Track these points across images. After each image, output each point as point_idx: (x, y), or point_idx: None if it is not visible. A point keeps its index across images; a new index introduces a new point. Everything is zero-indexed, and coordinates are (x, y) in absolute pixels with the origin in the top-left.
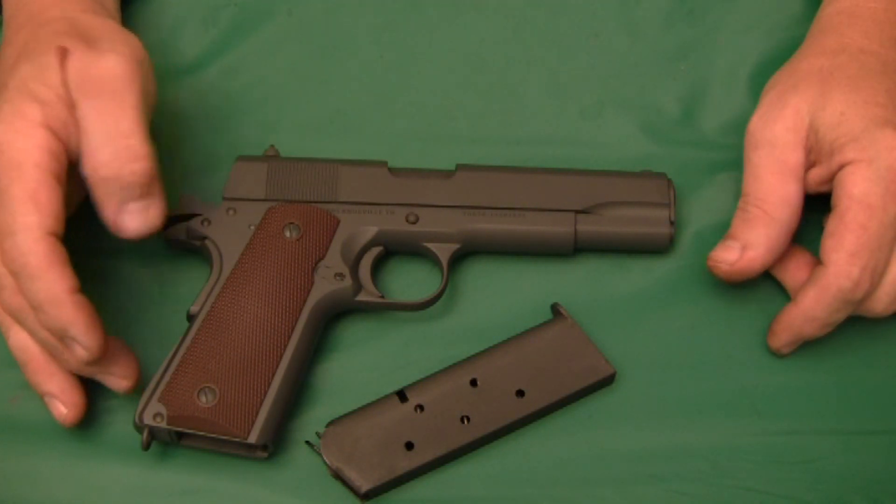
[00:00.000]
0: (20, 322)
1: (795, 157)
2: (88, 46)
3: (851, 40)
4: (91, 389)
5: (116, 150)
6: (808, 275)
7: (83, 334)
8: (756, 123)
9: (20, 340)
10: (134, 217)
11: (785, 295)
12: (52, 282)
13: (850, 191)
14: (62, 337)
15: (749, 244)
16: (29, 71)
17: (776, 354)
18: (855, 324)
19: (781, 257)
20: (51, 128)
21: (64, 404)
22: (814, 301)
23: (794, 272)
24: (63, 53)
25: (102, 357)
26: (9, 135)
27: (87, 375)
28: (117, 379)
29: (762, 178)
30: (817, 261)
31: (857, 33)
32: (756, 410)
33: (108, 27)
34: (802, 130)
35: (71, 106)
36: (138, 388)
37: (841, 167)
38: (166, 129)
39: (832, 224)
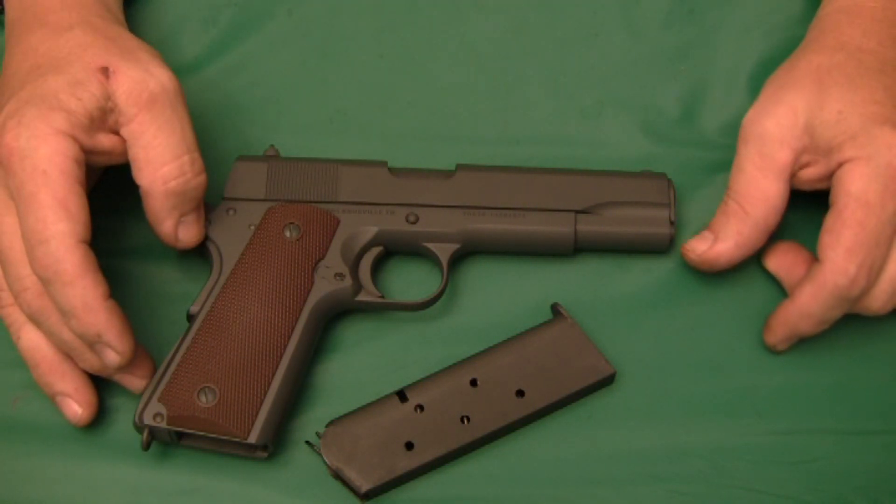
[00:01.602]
0: (39, 323)
1: (782, 156)
2: (132, 61)
3: (850, 39)
4: None
5: (184, 163)
6: (805, 272)
7: (116, 340)
8: (750, 117)
9: (32, 341)
10: (191, 227)
11: (783, 295)
12: (86, 289)
13: (848, 188)
14: (94, 343)
15: (720, 237)
16: (59, 83)
17: (772, 350)
18: (854, 323)
19: (780, 255)
20: (75, 137)
21: (78, 403)
22: (810, 297)
23: (791, 269)
24: (106, 73)
25: (131, 362)
26: (32, 141)
27: (106, 376)
28: (137, 379)
29: (745, 173)
30: (815, 258)
31: (857, 32)
32: (756, 410)
33: (129, 37)
34: (796, 129)
35: (103, 122)
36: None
37: (839, 165)
38: None
39: (830, 221)
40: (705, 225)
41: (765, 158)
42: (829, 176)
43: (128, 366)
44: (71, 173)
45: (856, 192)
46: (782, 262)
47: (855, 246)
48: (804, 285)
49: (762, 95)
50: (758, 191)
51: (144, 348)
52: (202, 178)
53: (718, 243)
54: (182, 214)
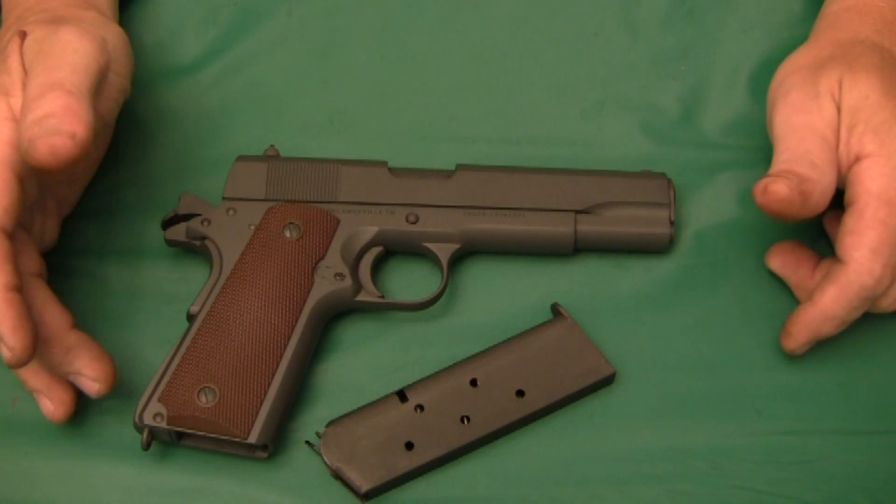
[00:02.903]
0: None
1: (835, 138)
2: (51, 23)
3: (865, 35)
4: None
5: (41, 83)
6: (812, 271)
7: (9, 334)
8: (796, 97)
9: None
10: (45, 127)
11: (784, 294)
12: None
13: (869, 187)
14: None
15: (805, 178)
16: None
17: (789, 355)
18: (855, 324)
19: (782, 254)
20: (18, 120)
21: (51, 400)
22: (833, 300)
23: (796, 268)
24: (22, 36)
25: (27, 361)
26: None
27: (62, 375)
28: (88, 381)
29: (808, 140)
30: (820, 257)
31: (869, 29)
32: (756, 410)
33: (88, 16)
34: (838, 114)
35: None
36: (130, 390)
37: (857, 159)
38: (166, 129)
39: (851, 221)
40: (705, 225)
41: (827, 130)
42: (845, 166)
43: (22, 366)
44: (4, 159)
45: (877, 191)
46: (786, 260)
47: (880, 246)
48: (826, 288)
49: (794, 79)
50: (826, 157)
51: (101, 350)
52: (58, 93)
53: (807, 182)
54: (39, 122)
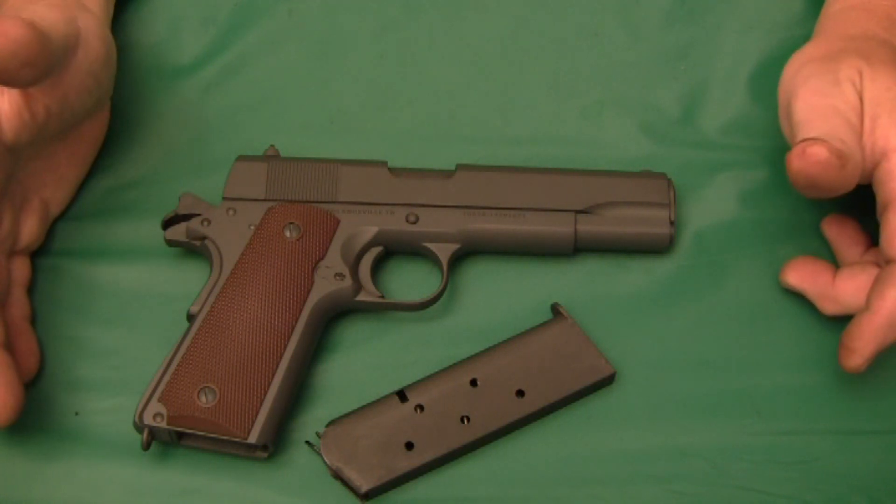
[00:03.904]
0: None
1: (860, 123)
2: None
3: (874, 32)
4: (92, 388)
5: None
6: (831, 278)
7: None
8: (817, 83)
9: None
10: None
11: (784, 294)
12: None
13: None
14: None
15: (840, 147)
16: None
17: (854, 373)
18: None
19: (799, 268)
20: None
21: None
22: None
23: (816, 279)
24: None
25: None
26: None
27: None
28: None
29: (832, 120)
30: (833, 266)
31: (877, 26)
32: (756, 410)
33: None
34: (860, 102)
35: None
36: (130, 390)
37: (885, 154)
38: (166, 128)
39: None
40: (705, 225)
41: (853, 115)
42: (869, 161)
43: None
44: None
45: None
46: (802, 274)
47: None
48: (885, 292)
49: (809, 68)
50: (853, 140)
51: (15, 377)
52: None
53: (841, 152)
54: None
